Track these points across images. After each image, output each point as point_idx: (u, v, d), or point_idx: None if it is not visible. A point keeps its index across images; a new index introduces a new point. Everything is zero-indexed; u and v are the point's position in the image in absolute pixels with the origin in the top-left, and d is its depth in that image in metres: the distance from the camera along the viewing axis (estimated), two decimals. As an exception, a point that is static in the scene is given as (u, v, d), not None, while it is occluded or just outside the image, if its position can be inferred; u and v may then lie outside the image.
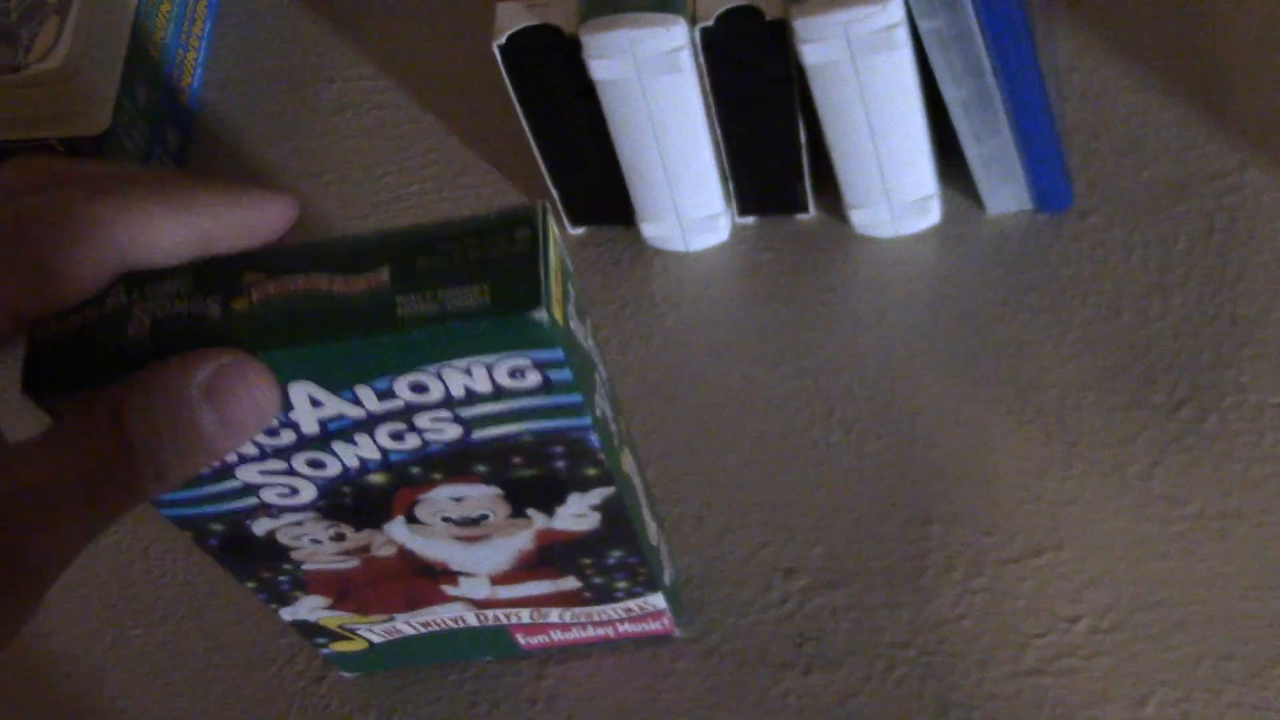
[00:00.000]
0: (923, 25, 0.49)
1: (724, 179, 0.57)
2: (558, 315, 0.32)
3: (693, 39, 0.51)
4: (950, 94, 0.51)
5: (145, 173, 0.33)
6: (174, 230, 0.30)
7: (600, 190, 0.58)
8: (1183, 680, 0.47)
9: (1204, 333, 0.52)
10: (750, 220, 0.59)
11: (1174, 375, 0.52)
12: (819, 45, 0.49)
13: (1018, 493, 0.51)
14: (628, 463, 0.42)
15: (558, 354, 0.33)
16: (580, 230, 0.60)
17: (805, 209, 0.58)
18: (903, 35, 0.49)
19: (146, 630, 0.55)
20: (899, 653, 0.49)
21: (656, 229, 0.58)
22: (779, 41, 0.51)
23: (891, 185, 0.55)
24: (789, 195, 0.57)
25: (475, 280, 0.32)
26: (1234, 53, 0.58)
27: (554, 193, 0.58)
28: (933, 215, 0.56)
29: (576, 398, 0.35)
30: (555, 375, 0.34)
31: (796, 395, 0.54)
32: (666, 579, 0.48)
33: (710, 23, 0.50)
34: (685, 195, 0.56)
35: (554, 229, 0.33)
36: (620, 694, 0.50)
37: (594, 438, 0.37)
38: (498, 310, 0.32)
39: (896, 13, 0.48)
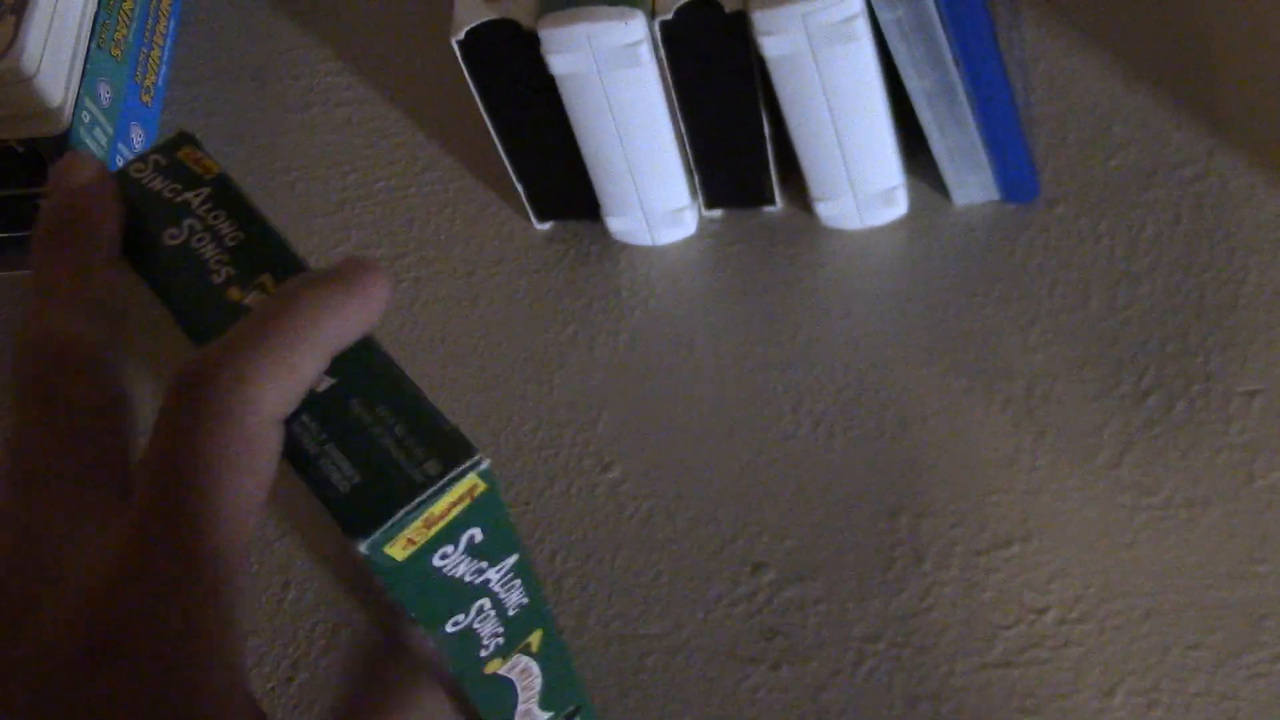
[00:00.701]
0: (883, 16, 0.49)
1: (689, 173, 0.56)
2: (396, 553, 0.29)
3: (652, 32, 0.50)
4: (913, 85, 0.51)
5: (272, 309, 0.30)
6: (307, 376, 0.29)
7: (566, 185, 0.57)
8: (1151, 670, 0.47)
9: (1171, 321, 0.52)
10: (717, 213, 0.58)
11: (1142, 364, 0.52)
12: (778, 37, 0.49)
13: (986, 483, 0.51)
14: (514, 665, 0.37)
15: (383, 578, 0.30)
16: (547, 225, 0.60)
17: (772, 201, 0.58)
18: (862, 26, 0.49)
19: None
20: (868, 646, 0.49)
21: (622, 223, 0.58)
22: (739, 34, 0.50)
23: (856, 177, 0.54)
24: (755, 188, 0.57)
25: (360, 463, 0.29)
26: (1201, 40, 0.58)
27: (519, 188, 0.58)
28: (899, 206, 0.56)
29: (411, 614, 0.32)
30: (386, 588, 0.31)
31: (765, 388, 0.54)
32: None
33: (669, 16, 0.50)
34: (650, 189, 0.56)
35: (470, 487, 0.30)
36: (590, 689, 0.50)
37: (434, 649, 0.33)
38: (345, 506, 0.29)
39: (855, 4, 0.48)
